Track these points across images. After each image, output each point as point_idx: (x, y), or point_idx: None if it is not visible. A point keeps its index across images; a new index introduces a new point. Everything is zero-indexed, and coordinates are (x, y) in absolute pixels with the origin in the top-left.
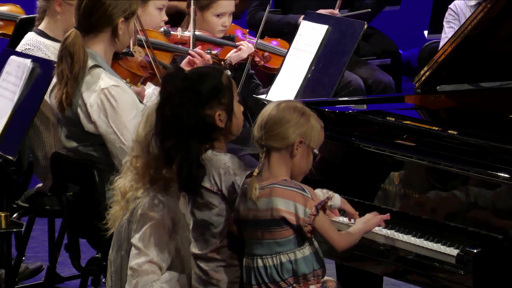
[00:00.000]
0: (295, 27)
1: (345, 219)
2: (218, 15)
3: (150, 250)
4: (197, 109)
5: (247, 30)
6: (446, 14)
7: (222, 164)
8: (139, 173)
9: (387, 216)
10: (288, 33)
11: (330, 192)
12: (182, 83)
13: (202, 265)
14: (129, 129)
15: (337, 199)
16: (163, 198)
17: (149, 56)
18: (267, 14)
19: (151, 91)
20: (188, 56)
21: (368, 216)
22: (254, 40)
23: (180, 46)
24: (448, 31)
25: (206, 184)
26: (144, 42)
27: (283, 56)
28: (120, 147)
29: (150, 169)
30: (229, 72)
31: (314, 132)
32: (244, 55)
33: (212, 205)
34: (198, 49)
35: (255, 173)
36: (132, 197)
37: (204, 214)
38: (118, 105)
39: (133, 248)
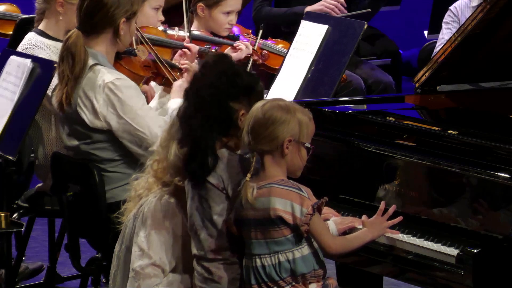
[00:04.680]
0: (302, 16)
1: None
2: (226, 13)
3: (154, 252)
4: (227, 98)
5: (250, 30)
6: (446, 15)
7: (235, 164)
8: (156, 176)
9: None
10: (292, 29)
11: (327, 222)
12: (226, 68)
13: (205, 263)
14: (141, 116)
15: (332, 227)
16: (171, 200)
17: (153, 55)
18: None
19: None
20: (180, 49)
21: (373, 223)
22: (258, 40)
23: (180, 42)
24: (445, 33)
25: (213, 180)
26: (143, 39)
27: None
28: (137, 134)
29: (166, 175)
30: None
31: (302, 126)
32: (243, 56)
33: (214, 203)
34: (192, 44)
35: (247, 178)
36: (144, 194)
37: (205, 212)
38: (124, 95)
39: (136, 248)
